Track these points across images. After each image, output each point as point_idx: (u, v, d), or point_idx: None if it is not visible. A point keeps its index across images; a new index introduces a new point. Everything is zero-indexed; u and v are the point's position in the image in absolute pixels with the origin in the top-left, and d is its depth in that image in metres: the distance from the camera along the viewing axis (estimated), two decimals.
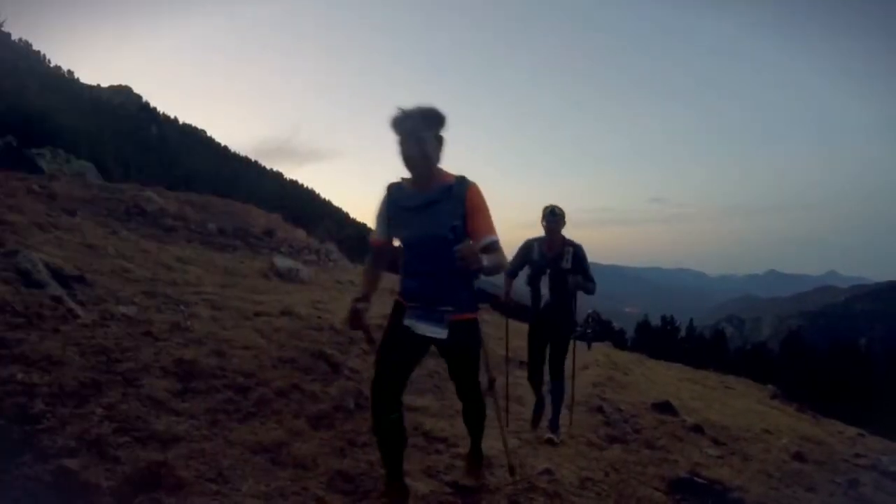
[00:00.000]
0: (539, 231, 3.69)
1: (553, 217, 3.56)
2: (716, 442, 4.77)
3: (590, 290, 3.65)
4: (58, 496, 1.65)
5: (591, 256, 3.67)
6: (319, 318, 4.64)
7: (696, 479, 3.38)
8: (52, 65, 75.45)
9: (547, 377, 3.70)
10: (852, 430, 8.24)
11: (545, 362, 3.68)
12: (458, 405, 3.26)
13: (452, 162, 2.01)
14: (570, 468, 3.09)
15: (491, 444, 2.61)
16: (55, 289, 3.10)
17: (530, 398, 4.17)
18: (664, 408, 5.44)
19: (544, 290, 3.60)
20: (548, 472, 2.84)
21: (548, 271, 3.58)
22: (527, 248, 3.70)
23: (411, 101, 2.09)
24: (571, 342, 3.85)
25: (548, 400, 3.71)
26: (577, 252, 3.58)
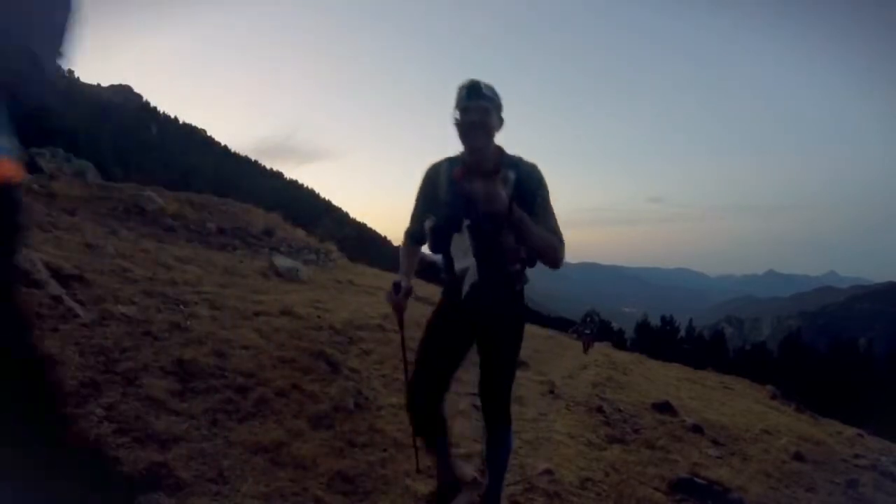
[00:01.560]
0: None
1: (474, 97, 1.65)
2: (715, 442, 4.77)
3: (553, 256, 1.70)
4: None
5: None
6: (319, 317, 4.64)
7: (695, 479, 3.38)
8: None
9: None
10: (851, 431, 8.25)
11: (451, 379, 1.95)
12: (459, 405, 3.21)
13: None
14: (569, 468, 3.08)
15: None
16: (54, 288, 3.10)
17: (528, 397, 4.14)
18: (664, 408, 5.45)
19: (463, 262, 1.79)
20: (548, 472, 2.84)
21: (466, 223, 1.75)
22: (429, 180, 1.86)
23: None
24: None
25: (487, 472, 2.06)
26: (525, 178, 1.71)
